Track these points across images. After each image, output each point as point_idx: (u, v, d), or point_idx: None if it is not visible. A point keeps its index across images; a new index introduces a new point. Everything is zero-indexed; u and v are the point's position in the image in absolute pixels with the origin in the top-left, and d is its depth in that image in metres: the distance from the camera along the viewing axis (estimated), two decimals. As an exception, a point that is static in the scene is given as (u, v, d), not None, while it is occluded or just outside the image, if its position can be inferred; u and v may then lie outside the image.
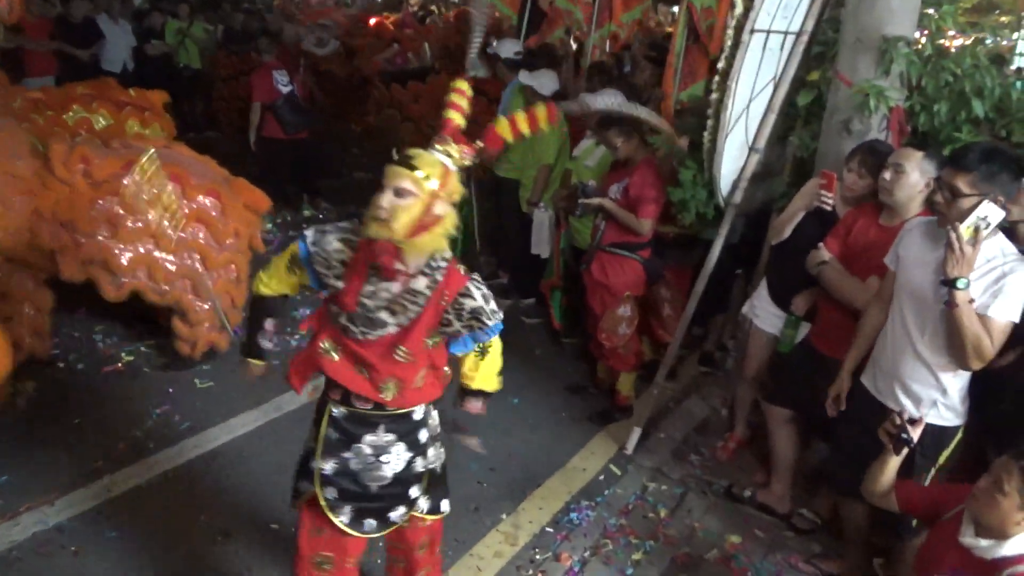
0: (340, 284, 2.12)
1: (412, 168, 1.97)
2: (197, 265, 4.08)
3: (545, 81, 5.08)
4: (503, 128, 2.13)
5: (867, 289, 2.97)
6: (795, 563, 3.26)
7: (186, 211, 3.98)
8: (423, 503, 2.38)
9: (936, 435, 2.66)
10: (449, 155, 2.04)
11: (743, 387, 3.93)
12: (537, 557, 3.21)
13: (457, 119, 2.09)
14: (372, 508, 2.28)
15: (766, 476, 3.69)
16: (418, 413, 2.31)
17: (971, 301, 2.41)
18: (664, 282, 4.39)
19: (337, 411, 2.24)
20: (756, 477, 3.80)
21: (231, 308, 4.32)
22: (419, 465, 2.32)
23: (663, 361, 4.04)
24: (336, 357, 2.18)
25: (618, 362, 4.26)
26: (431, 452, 2.37)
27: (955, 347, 2.48)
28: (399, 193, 1.96)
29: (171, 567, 2.95)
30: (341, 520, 2.26)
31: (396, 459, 2.26)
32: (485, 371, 2.43)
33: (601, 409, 4.36)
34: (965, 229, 2.35)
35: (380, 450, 2.24)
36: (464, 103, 2.11)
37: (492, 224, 5.66)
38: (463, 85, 2.12)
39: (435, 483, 2.41)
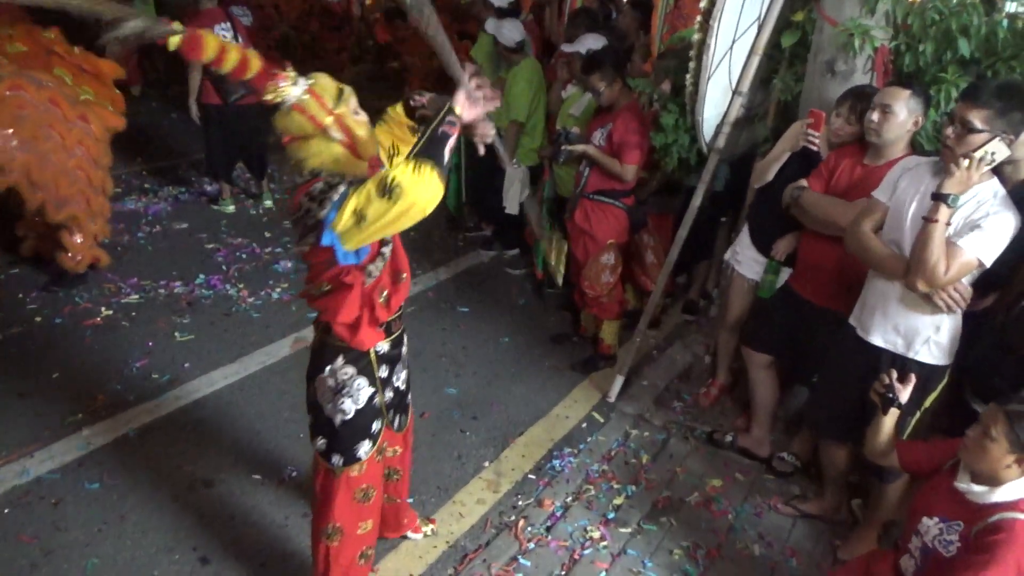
0: None
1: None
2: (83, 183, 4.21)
3: (507, 31, 4.96)
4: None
5: (854, 207, 2.90)
6: (774, 505, 3.30)
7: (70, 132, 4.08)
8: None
9: (926, 375, 2.66)
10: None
11: (725, 333, 3.92)
12: (519, 503, 3.23)
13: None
14: (404, 404, 2.55)
15: (747, 421, 3.71)
16: None
17: (948, 224, 2.40)
18: (648, 229, 4.36)
19: (382, 348, 2.34)
20: (737, 422, 3.82)
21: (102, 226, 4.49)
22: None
23: (645, 309, 4.03)
24: (387, 293, 2.25)
25: (601, 310, 4.25)
26: None
27: (912, 262, 2.47)
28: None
29: (152, 516, 2.96)
30: (396, 425, 2.51)
31: (407, 354, 2.51)
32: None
33: (584, 358, 4.36)
34: (971, 160, 2.35)
35: (406, 355, 2.49)
36: None
37: (474, 175, 5.59)
38: None
39: None
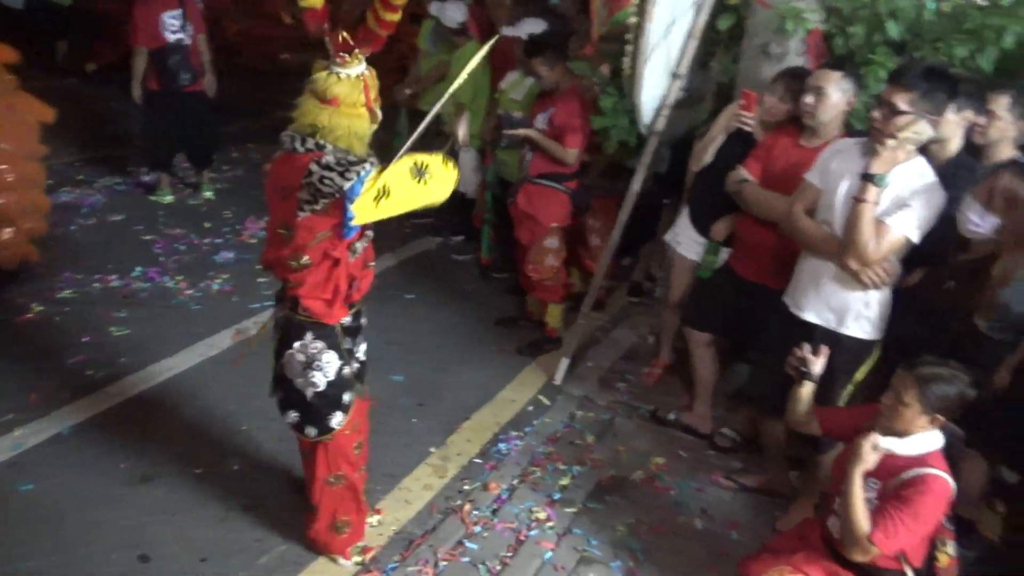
0: None
1: None
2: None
3: (450, 12, 4.93)
4: (372, 22, 2.19)
5: (789, 200, 2.98)
6: (716, 479, 3.37)
7: None
8: None
9: (856, 349, 2.75)
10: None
11: (667, 313, 3.99)
12: (466, 487, 3.24)
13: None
14: (363, 376, 2.66)
15: (690, 399, 3.78)
16: None
17: (876, 204, 2.48)
18: (592, 212, 4.39)
19: (346, 321, 2.45)
20: (680, 400, 3.89)
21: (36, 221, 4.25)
22: None
23: (589, 291, 4.07)
24: (357, 280, 2.42)
25: (546, 294, 4.27)
26: None
27: (844, 241, 2.55)
28: None
29: (90, 516, 2.88)
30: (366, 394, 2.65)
31: (365, 323, 2.63)
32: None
33: (531, 341, 4.38)
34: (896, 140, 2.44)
35: (364, 326, 2.61)
36: None
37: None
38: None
39: None
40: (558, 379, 4.04)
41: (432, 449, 3.46)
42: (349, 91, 2.19)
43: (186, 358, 3.92)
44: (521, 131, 4.06)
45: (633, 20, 3.46)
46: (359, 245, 2.36)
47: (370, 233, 2.38)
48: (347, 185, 2.09)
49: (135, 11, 5.30)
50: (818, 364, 2.46)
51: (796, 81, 3.14)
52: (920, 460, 2.12)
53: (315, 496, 2.63)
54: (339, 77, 2.18)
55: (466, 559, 2.83)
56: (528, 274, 4.20)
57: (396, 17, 2.18)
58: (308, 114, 2.21)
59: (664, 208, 4.81)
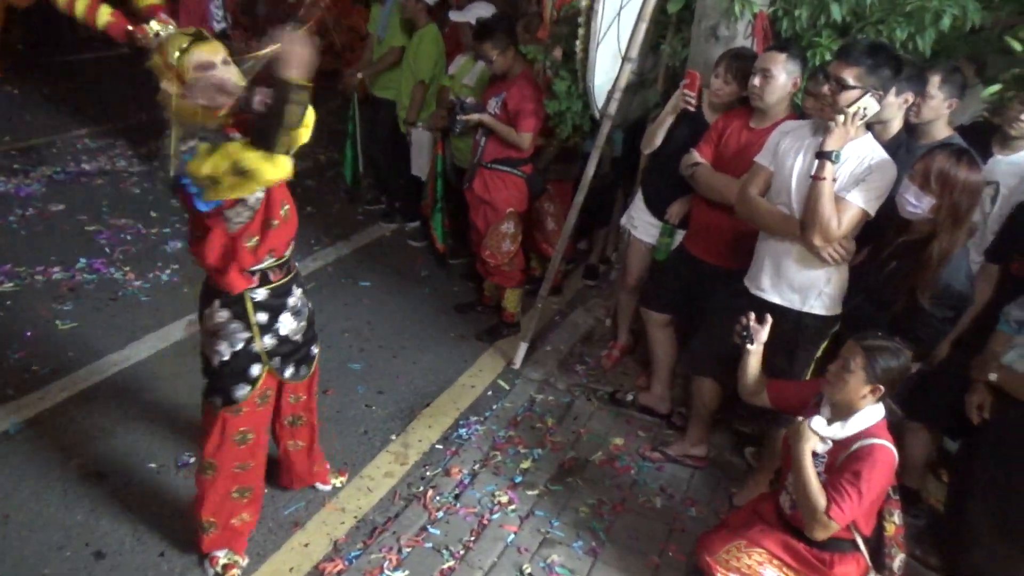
0: None
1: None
2: None
3: None
4: None
5: (741, 183, 3.03)
6: (644, 452, 3.45)
7: None
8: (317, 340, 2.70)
9: (818, 326, 2.82)
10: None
11: (624, 296, 4.03)
12: (427, 474, 3.24)
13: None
14: (301, 355, 2.59)
15: (647, 380, 3.84)
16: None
17: (835, 180, 2.54)
18: (547, 196, 4.40)
19: (258, 295, 2.37)
20: (638, 381, 3.94)
21: None
22: (309, 305, 2.62)
23: (546, 275, 4.08)
24: (257, 240, 2.29)
25: (503, 279, 4.27)
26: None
27: (805, 220, 2.60)
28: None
29: (40, 514, 2.81)
30: (288, 375, 2.55)
31: (303, 306, 2.56)
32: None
33: (489, 326, 4.39)
34: (845, 115, 2.50)
35: (297, 305, 2.51)
36: None
37: (370, 146, 5.48)
38: None
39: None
40: (517, 363, 4.05)
41: (392, 436, 3.45)
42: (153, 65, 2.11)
43: (136, 350, 3.83)
44: (475, 116, 4.04)
45: (585, 3, 3.46)
46: (232, 213, 2.19)
47: (251, 200, 2.19)
48: (174, 163, 2.08)
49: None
50: (763, 332, 2.56)
51: (737, 62, 3.19)
52: (865, 432, 2.19)
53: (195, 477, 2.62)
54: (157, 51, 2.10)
55: (429, 544, 2.83)
56: (485, 259, 4.20)
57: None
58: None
59: (618, 191, 4.87)
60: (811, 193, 2.57)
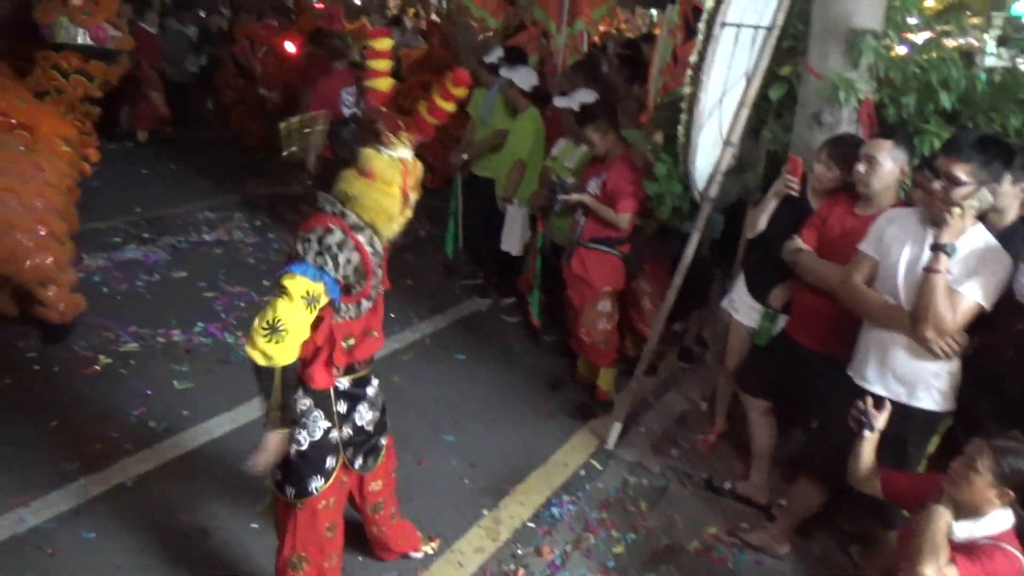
0: (365, 280, 2.29)
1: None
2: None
3: (523, 75, 5.10)
4: (425, 111, 2.28)
5: (845, 271, 2.98)
6: (720, 536, 3.35)
7: None
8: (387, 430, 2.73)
9: (928, 421, 2.71)
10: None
11: (723, 380, 3.96)
12: (519, 552, 3.21)
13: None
14: (371, 445, 2.59)
15: (745, 467, 3.72)
16: None
17: (949, 273, 2.47)
18: (644, 276, 4.42)
19: (341, 385, 2.43)
20: (735, 468, 3.83)
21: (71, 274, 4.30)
22: (383, 396, 2.66)
23: (642, 355, 4.06)
24: (353, 342, 2.39)
25: (598, 357, 4.28)
26: None
27: (918, 313, 2.52)
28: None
29: (147, 565, 2.93)
30: (357, 466, 2.52)
31: (378, 396, 2.60)
32: None
33: (581, 404, 4.38)
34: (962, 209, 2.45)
35: (373, 396, 2.56)
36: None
37: (470, 222, 5.67)
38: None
39: None
40: (610, 444, 4.01)
41: (484, 511, 3.45)
42: (386, 169, 2.25)
43: (244, 412, 3.99)
44: (575, 196, 4.15)
45: (688, 90, 3.55)
46: (343, 307, 2.29)
47: (365, 304, 2.35)
48: (297, 255, 2.17)
49: (319, 83, 6.15)
50: (880, 418, 2.45)
51: (839, 148, 3.18)
52: (992, 537, 2.06)
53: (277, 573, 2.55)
54: (380, 153, 2.27)
55: (520, 624, 2.80)
56: (580, 337, 4.23)
57: (452, 108, 2.30)
58: (344, 181, 2.28)
59: (716, 273, 4.84)
60: (925, 286, 2.49)
